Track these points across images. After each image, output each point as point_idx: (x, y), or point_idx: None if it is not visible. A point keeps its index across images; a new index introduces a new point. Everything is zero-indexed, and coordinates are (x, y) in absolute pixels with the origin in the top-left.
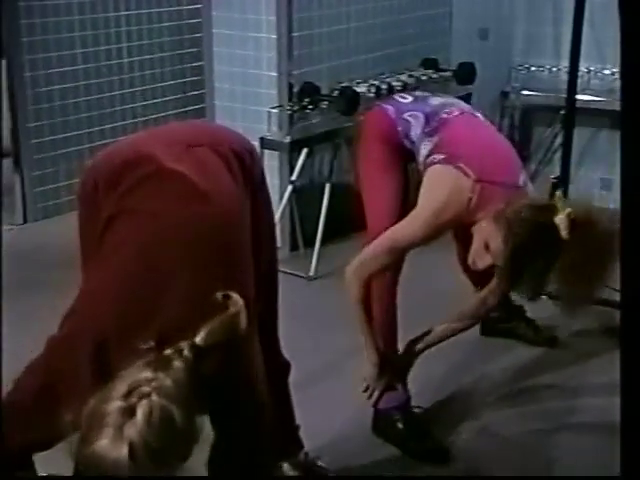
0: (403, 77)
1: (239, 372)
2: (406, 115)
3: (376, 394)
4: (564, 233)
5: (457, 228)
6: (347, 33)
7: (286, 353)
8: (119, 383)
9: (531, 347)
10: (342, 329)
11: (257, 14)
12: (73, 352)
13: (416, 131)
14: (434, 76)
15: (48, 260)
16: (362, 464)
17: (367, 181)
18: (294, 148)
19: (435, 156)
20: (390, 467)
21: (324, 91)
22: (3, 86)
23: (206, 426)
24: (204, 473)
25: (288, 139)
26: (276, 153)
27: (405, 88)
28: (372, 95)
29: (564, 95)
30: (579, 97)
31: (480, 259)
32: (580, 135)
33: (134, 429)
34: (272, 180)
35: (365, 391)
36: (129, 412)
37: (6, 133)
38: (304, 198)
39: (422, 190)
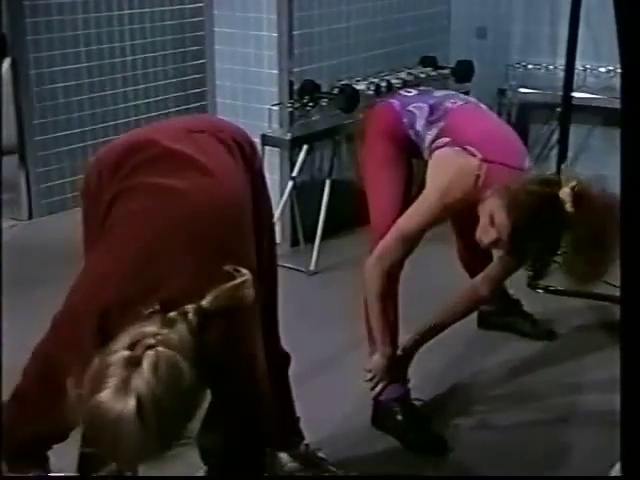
0: (402, 75)
1: (241, 350)
2: (411, 107)
3: (381, 386)
4: (568, 206)
5: (458, 219)
6: (347, 32)
7: (286, 346)
8: (123, 336)
9: (529, 341)
10: (342, 322)
11: (258, 13)
12: (76, 326)
13: (421, 121)
14: (433, 74)
15: (53, 255)
16: (362, 455)
17: (371, 177)
18: (295, 145)
19: (440, 140)
20: (389, 458)
21: (324, 89)
22: (3, 84)
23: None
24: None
25: (289, 136)
26: (277, 150)
27: (404, 86)
28: (371, 93)
29: (560, 93)
30: (575, 95)
31: (485, 234)
32: (576, 132)
33: (140, 380)
34: (273, 176)
35: (370, 381)
36: (135, 362)
37: (12, 130)
38: (304, 194)
39: (429, 173)
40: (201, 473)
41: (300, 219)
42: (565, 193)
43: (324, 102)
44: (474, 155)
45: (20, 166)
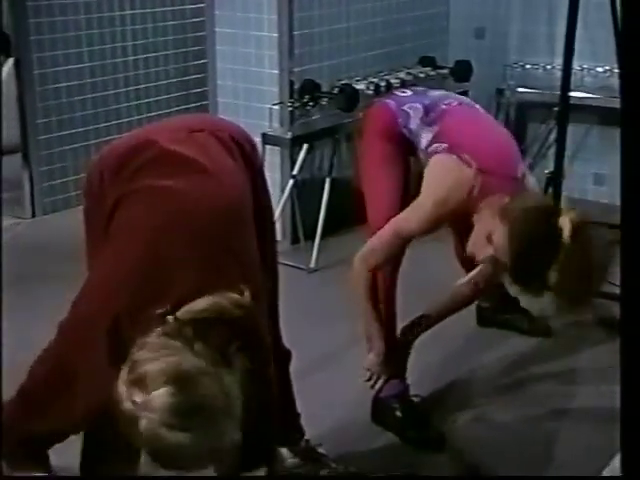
0: (401, 74)
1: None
2: (405, 107)
3: (380, 383)
4: (565, 236)
5: (455, 220)
6: (347, 32)
7: (287, 343)
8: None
9: (527, 337)
10: (342, 319)
11: (259, 13)
12: (88, 333)
13: (415, 121)
14: (432, 73)
15: (56, 253)
16: (362, 451)
17: (369, 175)
18: (295, 144)
19: (437, 145)
20: (389, 454)
21: (324, 88)
22: (3, 84)
23: None
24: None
25: (289, 135)
26: (277, 148)
27: (403, 85)
28: (371, 92)
29: (558, 92)
30: (573, 94)
31: (480, 250)
32: (574, 131)
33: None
34: (273, 175)
35: (368, 380)
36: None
37: (15, 129)
38: (305, 192)
39: (425, 179)
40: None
41: (300, 217)
42: (564, 222)
43: (324, 101)
44: (469, 164)
45: (23, 165)
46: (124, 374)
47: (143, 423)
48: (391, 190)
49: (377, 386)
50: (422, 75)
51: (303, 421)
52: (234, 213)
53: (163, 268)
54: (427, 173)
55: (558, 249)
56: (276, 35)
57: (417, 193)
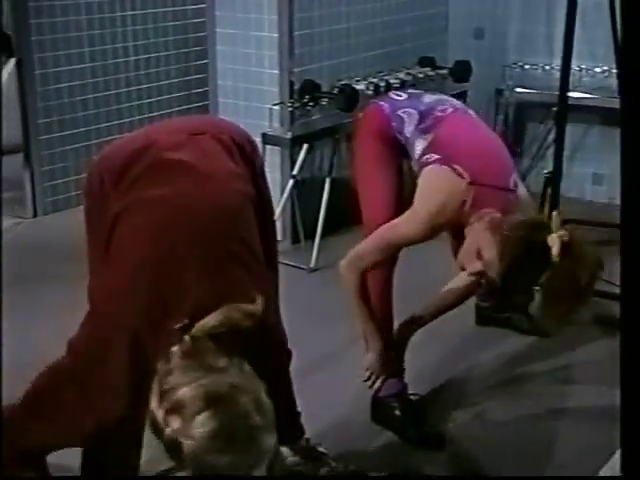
0: (401, 75)
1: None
2: (400, 112)
3: (379, 382)
4: (554, 253)
5: (448, 229)
6: (347, 32)
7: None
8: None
9: (525, 336)
10: (342, 319)
11: (259, 14)
12: (103, 354)
13: (409, 128)
14: (431, 74)
15: (57, 253)
16: (362, 450)
17: (363, 176)
18: (295, 144)
19: (430, 155)
20: (388, 453)
21: (324, 88)
22: (3, 84)
23: None
24: None
25: (289, 135)
26: (278, 148)
27: (403, 86)
28: (371, 92)
29: (557, 92)
30: (571, 94)
31: (470, 264)
32: (572, 131)
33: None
34: (274, 175)
35: (367, 380)
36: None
37: (17, 129)
38: (305, 192)
39: (418, 190)
40: None
41: (300, 217)
42: (553, 240)
43: (324, 102)
44: (462, 176)
45: (25, 165)
46: (155, 401)
47: (186, 448)
48: (385, 189)
49: (376, 386)
50: (421, 75)
51: (303, 420)
52: (236, 218)
53: (172, 279)
54: (420, 184)
55: (545, 268)
56: (276, 35)
57: (410, 200)
